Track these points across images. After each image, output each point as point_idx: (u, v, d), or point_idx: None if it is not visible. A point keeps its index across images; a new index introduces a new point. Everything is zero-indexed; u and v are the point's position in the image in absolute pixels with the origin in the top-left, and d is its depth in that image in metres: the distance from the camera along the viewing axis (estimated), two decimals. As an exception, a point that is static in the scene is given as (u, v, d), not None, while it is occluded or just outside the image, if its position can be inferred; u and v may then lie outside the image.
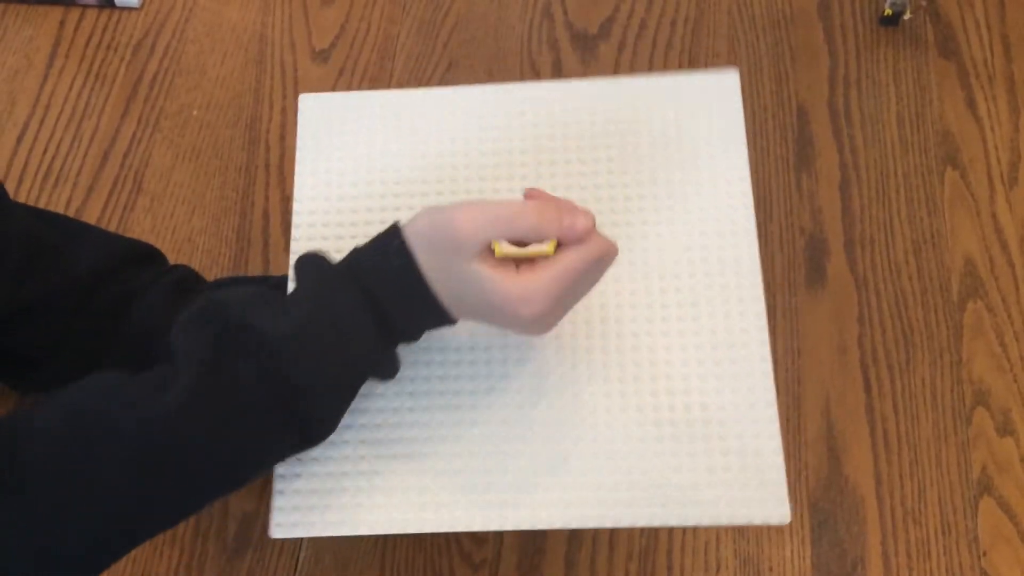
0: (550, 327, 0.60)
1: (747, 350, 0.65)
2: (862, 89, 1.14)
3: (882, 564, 0.89)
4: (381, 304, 0.57)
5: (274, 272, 1.09)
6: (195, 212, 1.12)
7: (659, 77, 0.75)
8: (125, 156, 1.16)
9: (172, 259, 1.08)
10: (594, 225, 0.55)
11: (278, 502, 0.64)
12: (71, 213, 1.12)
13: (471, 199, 0.60)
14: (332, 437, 0.61)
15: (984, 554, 0.89)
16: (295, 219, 0.71)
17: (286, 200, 1.12)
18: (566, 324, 0.67)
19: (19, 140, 1.16)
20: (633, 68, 1.16)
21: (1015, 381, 0.97)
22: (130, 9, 1.24)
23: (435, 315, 0.58)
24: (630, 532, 0.91)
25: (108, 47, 1.22)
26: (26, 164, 1.14)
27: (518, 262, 0.56)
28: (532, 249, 0.55)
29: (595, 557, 0.91)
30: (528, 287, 0.54)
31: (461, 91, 0.76)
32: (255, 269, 1.08)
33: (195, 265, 1.08)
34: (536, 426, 0.65)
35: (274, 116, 1.17)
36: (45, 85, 1.20)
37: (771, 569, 0.89)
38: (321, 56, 1.21)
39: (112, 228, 1.11)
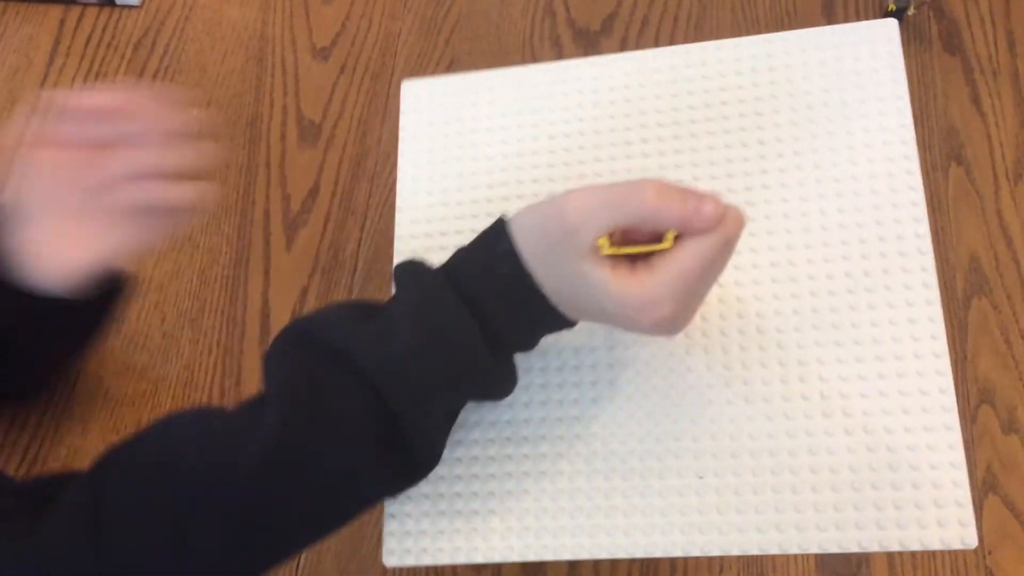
0: (681, 328, 0.52)
1: (919, 355, 0.56)
2: (866, 85, 1.13)
3: (887, 564, 0.88)
4: (489, 316, 0.50)
5: (274, 272, 1.08)
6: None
7: (790, 33, 0.66)
8: (126, 155, 1.15)
9: (172, 258, 1.08)
10: (723, 211, 0.47)
11: (389, 527, 0.59)
12: (72, 212, 1.12)
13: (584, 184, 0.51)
14: (445, 458, 0.57)
15: (989, 553, 0.89)
16: (398, 215, 0.66)
17: (287, 199, 1.11)
18: (697, 332, 0.60)
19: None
20: (635, 65, 1.16)
21: (1020, 379, 0.96)
22: (130, 7, 1.24)
23: (550, 320, 0.52)
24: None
25: (108, 45, 1.22)
26: (26, 163, 1.14)
27: (633, 258, 0.48)
28: (650, 246, 0.47)
29: (598, 560, 0.90)
30: (648, 290, 0.47)
31: (566, 65, 0.69)
32: (256, 267, 1.07)
33: (196, 264, 1.08)
34: (667, 439, 0.57)
35: (275, 115, 1.17)
36: (45, 83, 1.19)
37: (775, 569, 0.89)
38: (322, 54, 1.20)
39: (113, 227, 1.11)
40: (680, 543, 0.55)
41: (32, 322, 0.64)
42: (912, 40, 1.16)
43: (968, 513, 0.53)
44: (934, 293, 0.57)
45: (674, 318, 0.48)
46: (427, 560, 0.58)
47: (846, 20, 1.18)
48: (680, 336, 0.59)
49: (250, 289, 1.06)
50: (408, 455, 0.52)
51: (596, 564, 0.90)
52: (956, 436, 0.54)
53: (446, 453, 0.58)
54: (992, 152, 1.09)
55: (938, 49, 1.16)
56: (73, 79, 1.20)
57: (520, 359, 0.56)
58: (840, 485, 0.54)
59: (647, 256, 0.47)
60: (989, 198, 1.06)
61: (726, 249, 0.48)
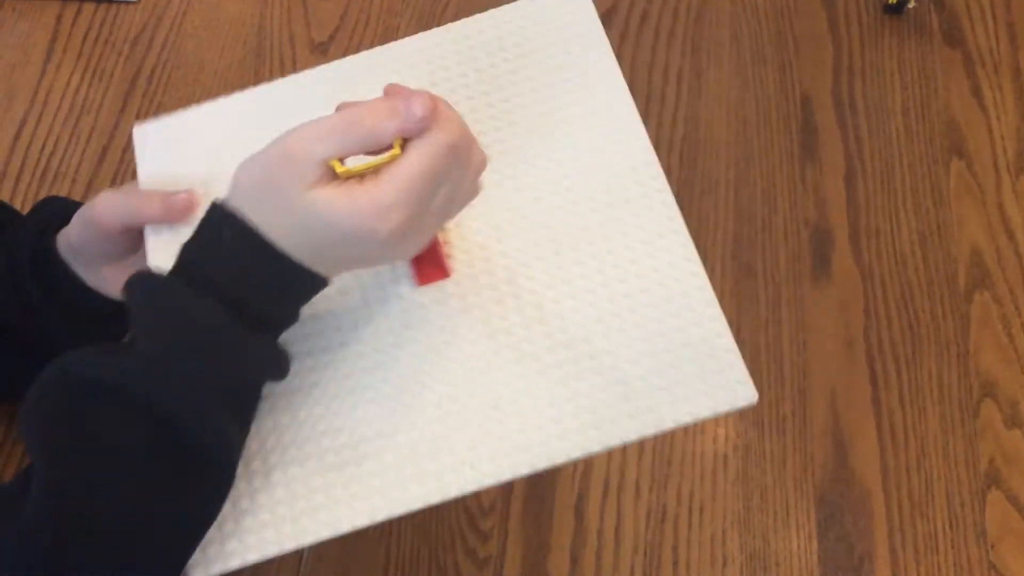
0: (422, 241, 0.52)
1: (661, 233, 0.61)
2: (867, 78, 1.13)
3: (889, 558, 0.88)
4: (230, 293, 0.48)
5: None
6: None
7: (492, 14, 0.70)
8: (124, 151, 1.15)
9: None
10: (436, 107, 0.47)
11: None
12: (70, 209, 1.11)
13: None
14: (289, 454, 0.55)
15: (992, 547, 0.88)
16: (149, 258, 0.64)
17: (286, 195, 1.11)
18: (462, 267, 0.62)
19: (17, 136, 1.15)
20: (636, 58, 1.15)
21: (1023, 373, 0.96)
22: (127, 3, 1.23)
23: (296, 277, 0.49)
24: (636, 525, 0.91)
25: (106, 42, 1.21)
26: (24, 160, 1.14)
27: (363, 177, 0.48)
28: (377, 158, 0.47)
29: (601, 551, 0.90)
30: (377, 197, 0.46)
31: (288, 82, 0.68)
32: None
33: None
34: (454, 376, 0.59)
35: (273, 110, 1.16)
36: (43, 80, 1.19)
37: (778, 564, 0.89)
38: (320, 48, 1.20)
39: (111, 224, 1.10)
40: (491, 471, 0.56)
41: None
42: (913, 33, 1.16)
43: (740, 371, 0.57)
44: (661, 182, 0.62)
45: (408, 227, 0.47)
46: (234, 563, 0.55)
47: (846, 11, 1.18)
48: (454, 288, 0.61)
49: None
50: (199, 463, 0.49)
51: (599, 556, 0.90)
52: (709, 294, 0.59)
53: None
54: (993, 145, 1.09)
55: (939, 42, 1.16)
56: (71, 76, 1.19)
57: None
58: (625, 378, 0.58)
59: (375, 173, 0.47)
60: (991, 192, 1.06)
61: (453, 154, 0.48)
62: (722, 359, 0.58)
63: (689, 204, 1.07)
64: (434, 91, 0.62)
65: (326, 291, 0.54)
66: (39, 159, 1.13)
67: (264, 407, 0.58)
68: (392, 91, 0.52)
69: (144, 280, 0.50)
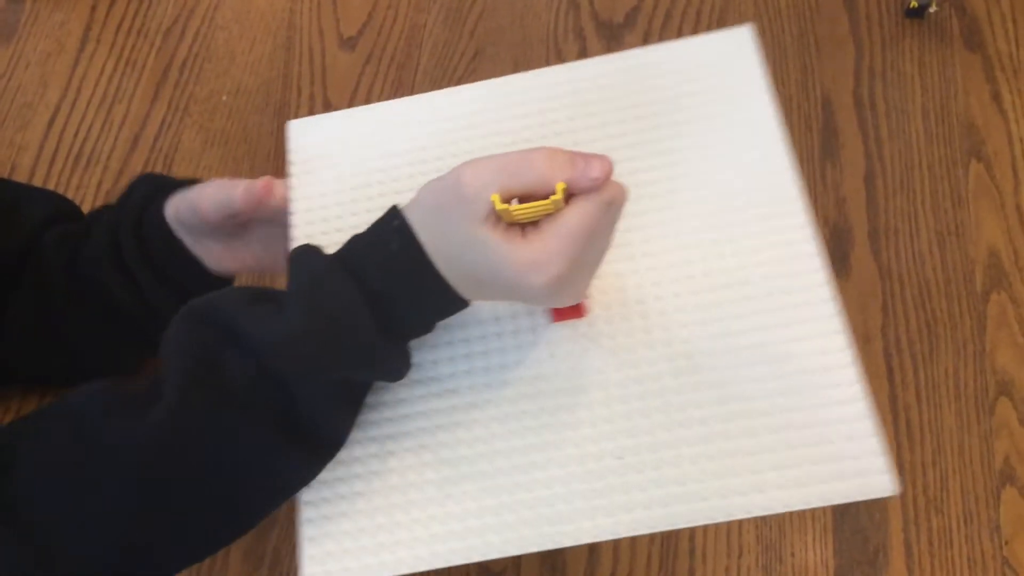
0: (572, 295, 0.54)
1: (808, 303, 0.58)
2: (887, 80, 1.14)
3: (904, 552, 0.90)
4: (380, 296, 0.51)
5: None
6: (224, 196, 1.13)
7: (660, 46, 0.69)
8: (155, 140, 1.17)
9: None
10: (611, 171, 0.48)
11: (309, 551, 0.57)
12: (101, 196, 1.13)
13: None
14: (359, 471, 0.57)
15: (1006, 543, 0.90)
16: (292, 246, 0.65)
17: (314, 185, 1.13)
18: (598, 308, 0.61)
19: (50, 123, 1.17)
20: (659, 58, 1.17)
21: (1038, 372, 0.97)
22: (160, -5, 1.26)
23: (444, 299, 0.52)
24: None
25: (139, 32, 1.23)
26: (57, 147, 1.16)
27: (524, 227, 0.49)
28: (538, 204, 0.48)
29: (618, 541, 0.92)
30: (538, 249, 0.48)
31: (452, 93, 0.70)
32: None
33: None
34: (583, 426, 0.57)
35: (302, 103, 1.18)
36: (76, 69, 1.21)
37: (793, 555, 0.90)
38: (349, 43, 1.22)
39: (142, 211, 1.13)
40: (607, 526, 0.55)
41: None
42: (933, 36, 1.17)
43: (883, 460, 0.54)
44: (812, 247, 0.60)
45: (563, 280, 0.49)
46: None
47: (867, 14, 1.19)
48: (588, 330, 0.60)
49: (278, 280, 1.07)
50: (305, 434, 0.52)
51: (616, 545, 0.92)
52: (854, 374, 0.57)
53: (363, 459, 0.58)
54: (1012, 148, 1.10)
55: (959, 46, 1.17)
56: (104, 65, 1.21)
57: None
58: (756, 449, 0.55)
59: (536, 223, 0.49)
60: (1009, 194, 1.07)
61: (610, 211, 0.49)
62: (863, 445, 0.55)
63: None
64: (585, 117, 0.66)
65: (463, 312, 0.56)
66: (72, 145, 1.16)
67: (406, 427, 0.59)
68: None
69: (311, 257, 0.53)
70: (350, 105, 1.18)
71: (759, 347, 0.58)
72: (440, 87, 1.18)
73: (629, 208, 0.54)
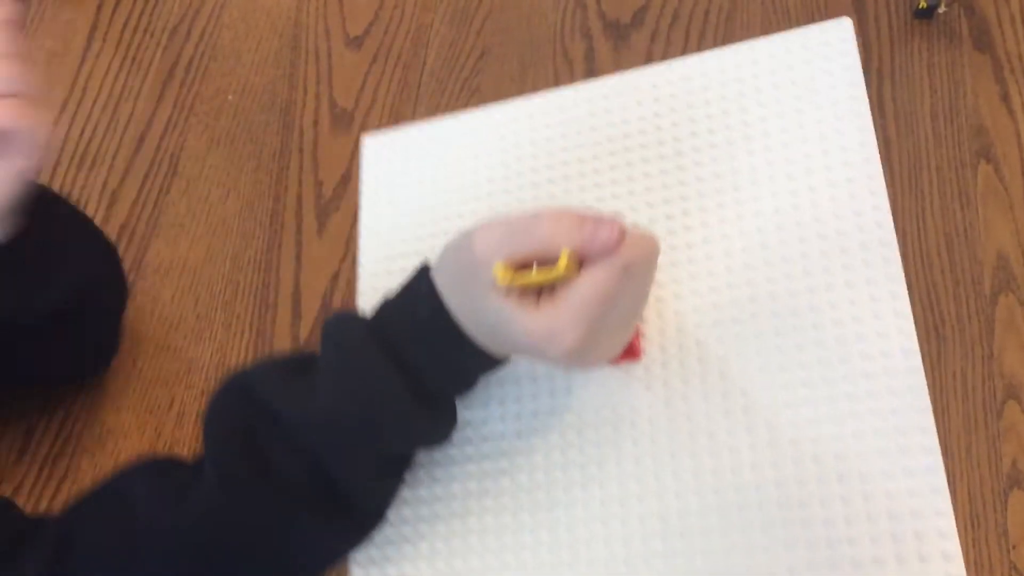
0: (596, 359, 0.50)
1: (894, 392, 0.51)
2: (896, 82, 1.14)
3: (911, 555, 0.89)
4: (414, 364, 0.50)
5: (305, 256, 1.10)
6: (230, 195, 1.13)
7: (740, 45, 0.62)
8: (161, 139, 1.17)
9: (206, 242, 1.10)
10: (623, 235, 0.45)
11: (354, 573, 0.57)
12: (107, 195, 1.13)
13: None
14: (407, 532, 0.56)
15: (1014, 547, 0.89)
16: (360, 271, 0.64)
17: (319, 184, 1.13)
18: (655, 350, 0.55)
19: (56, 122, 1.17)
20: (667, 57, 1.16)
21: (1047, 375, 0.97)
22: (166, -6, 1.26)
23: (477, 360, 0.50)
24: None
25: (145, 31, 1.23)
26: (63, 147, 1.16)
27: (541, 290, 0.46)
28: (541, 273, 0.45)
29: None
30: (550, 321, 0.45)
31: (520, 104, 0.66)
32: (288, 252, 1.09)
33: (229, 250, 1.09)
34: (627, 482, 0.54)
35: (308, 101, 1.18)
36: (82, 68, 1.21)
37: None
38: (355, 42, 1.22)
39: (147, 210, 1.12)
40: None
41: None
42: (942, 38, 1.16)
43: (958, 566, 0.48)
44: (908, 324, 0.51)
45: (581, 349, 0.46)
46: None
47: (876, 15, 1.18)
48: (640, 379, 0.55)
49: (282, 273, 1.07)
50: (347, 509, 0.52)
51: None
52: (940, 479, 0.49)
53: (424, 501, 0.57)
54: (1021, 150, 1.09)
55: (968, 47, 1.16)
56: (110, 64, 1.21)
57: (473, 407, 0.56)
58: (816, 541, 0.49)
59: (552, 289, 0.46)
60: (1018, 195, 1.06)
61: (628, 276, 0.45)
62: (935, 544, 0.48)
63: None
64: (656, 123, 0.61)
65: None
66: (78, 145, 1.16)
67: (467, 469, 0.57)
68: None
69: (341, 328, 0.51)
70: (356, 104, 1.18)
71: (825, 409, 0.51)
72: (446, 87, 1.18)
73: (695, 236, 0.52)
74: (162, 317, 1.05)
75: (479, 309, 0.47)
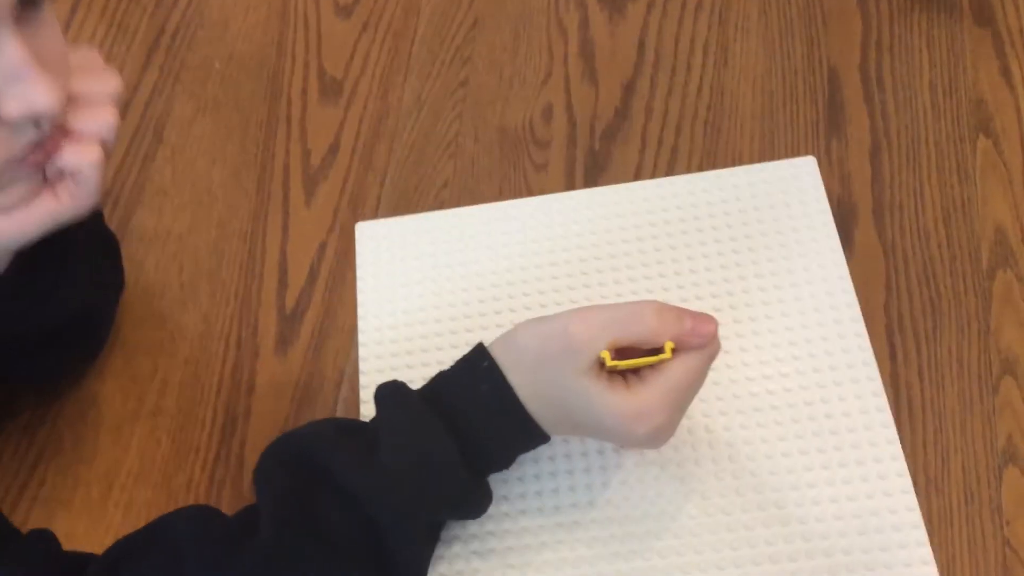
0: (666, 439, 0.56)
1: (881, 469, 0.62)
2: (895, 55, 1.12)
3: (903, 531, 0.88)
4: (469, 436, 0.53)
5: (292, 226, 1.08)
6: (215, 164, 1.11)
7: (732, 171, 0.71)
8: (146, 107, 1.15)
9: (191, 210, 1.08)
10: (717, 329, 0.52)
11: None
12: (91, 162, 1.12)
13: (573, 308, 0.55)
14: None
15: (1007, 523, 0.88)
16: (361, 351, 0.68)
17: (307, 154, 1.11)
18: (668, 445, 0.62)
19: (40, 89, 1.15)
20: (662, 29, 1.15)
21: (1044, 351, 0.95)
22: (154, -40, 1.23)
23: (530, 437, 0.55)
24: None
25: (131, -2, 1.21)
26: (47, 113, 1.14)
27: (626, 375, 0.52)
28: (645, 360, 0.51)
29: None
30: (642, 401, 0.51)
31: (520, 204, 0.73)
32: (274, 221, 1.07)
33: (215, 218, 1.08)
34: (651, 556, 0.59)
35: (296, 70, 1.16)
36: (67, 35, 1.19)
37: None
38: (344, 10, 1.20)
39: (132, 178, 1.11)
40: None
41: None
42: (942, 11, 1.15)
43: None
44: (887, 416, 0.62)
45: (664, 428, 0.52)
46: None
47: (878, 13, 1.16)
48: (658, 469, 0.62)
49: (268, 243, 1.06)
50: (393, 570, 0.55)
51: None
52: (923, 536, 0.59)
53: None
54: (1021, 125, 1.07)
55: (968, 21, 1.14)
56: (95, 31, 1.19)
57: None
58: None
59: (636, 372, 0.51)
60: (1017, 170, 1.05)
61: (709, 364, 0.53)
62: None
63: (711, 175, 1.07)
64: (654, 235, 0.69)
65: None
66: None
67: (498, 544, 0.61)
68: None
69: (399, 399, 0.55)
70: (345, 73, 1.16)
71: (827, 491, 0.60)
72: (438, 57, 1.16)
73: None
74: (146, 286, 1.04)
75: (563, 389, 0.51)
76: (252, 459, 0.95)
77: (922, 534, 0.58)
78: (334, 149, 1.11)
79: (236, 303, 1.02)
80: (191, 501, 0.93)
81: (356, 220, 1.06)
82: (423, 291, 0.70)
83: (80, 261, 0.81)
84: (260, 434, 0.95)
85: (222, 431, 0.96)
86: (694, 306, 0.63)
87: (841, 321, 0.67)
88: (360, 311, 0.68)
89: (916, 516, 0.59)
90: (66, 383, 0.98)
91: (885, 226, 1.02)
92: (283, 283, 1.03)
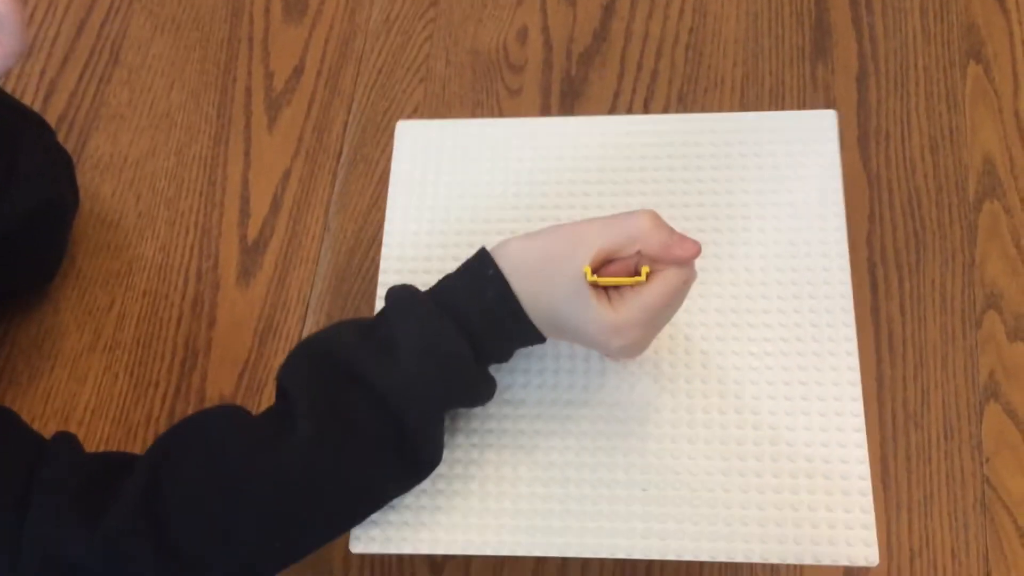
0: (641, 352, 0.61)
1: (837, 377, 0.65)
2: (885, -25, 1.07)
3: (880, 467, 0.86)
4: (477, 336, 0.58)
5: (254, 153, 1.03)
6: (174, 86, 1.06)
7: (757, 115, 0.76)
8: (102, 26, 1.09)
9: (149, 135, 1.04)
10: (698, 254, 0.55)
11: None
12: (44, 84, 1.06)
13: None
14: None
15: (987, 460, 0.86)
16: (384, 250, 0.72)
17: (269, 76, 1.06)
18: (650, 349, 0.67)
19: (-12, 6, 1.09)
20: (642, -54, 1.09)
21: (1029, 284, 0.92)
22: None
23: (528, 338, 0.59)
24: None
25: (83, -92, 1.14)
26: (-4, 32, 1.08)
27: (608, 291, 0.56)
28: (626, 279, 0.55)
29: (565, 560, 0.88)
30: (622, 316, 0.55)
31: (557, 122, 0.77)
32: (236, 147, 1.02)
33: (173, 143, 1.03)
34: (617, 454, 0.65)
35: (259, -12, 1.10)
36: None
37: None
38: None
39: (87, 101, 1.05)
40: (623, 546, 0.62)
41: None
42: (936, -70, 1.10)
43: (871, 532, 0.61)
44: (851, 331, 0.66)
45: (637, 343, 0.57)
46: (392, 548, 0.63)
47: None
48: (638, 369, 0.67)
49: (230, 170, 1.01)
50: (416, 459, 0.60)
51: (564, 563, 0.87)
52: (862, 450, 0.63)
53: None
54: (1013, 51, 1.03)
55: (963, -58, 1.09)
56: (45, -56, 1.13)
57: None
58: (764, 503, 0.62)
59: (618, 290, 0.56)
60: (1007, 98, 1.01)
61: (685, 287, 0.56)
62: (856, 517, 0.61)
63: (693, 101, 1.02)
64: (667, 167, 0.74)
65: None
66: (11, 30, 1.08)
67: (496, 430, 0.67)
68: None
69: (412, 303, 0.58)
70: (311, -8, 1.10)
71: (783, 389, 0.65)
72: (408, -26, 1.10)
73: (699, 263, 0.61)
74: (102, 215, 0.99)
75: (560, 294, 0.56)
76: (213, 393, 0.92)
77: (862, 437, 0.63)
78: (298, 71, 1.06)
79: (196, 233, 0.98)
80: (150, 436, 0.91)
81: (321, 147, 1.02)
82: (451, 195, 0.74)
83: (31, 162, 0.82)
84: (221, 368, 0.92)
85: (182, 365, 0.92)
86: (691, 225, 0.71)
87: (827, 249, 0.70)
88: (388, 214, 0.74)
89: (860, 421, 0.64)
90: (20, 312, 0.94)
91: (870, 155, 0.98)
92: (245, 212, 0.99)
